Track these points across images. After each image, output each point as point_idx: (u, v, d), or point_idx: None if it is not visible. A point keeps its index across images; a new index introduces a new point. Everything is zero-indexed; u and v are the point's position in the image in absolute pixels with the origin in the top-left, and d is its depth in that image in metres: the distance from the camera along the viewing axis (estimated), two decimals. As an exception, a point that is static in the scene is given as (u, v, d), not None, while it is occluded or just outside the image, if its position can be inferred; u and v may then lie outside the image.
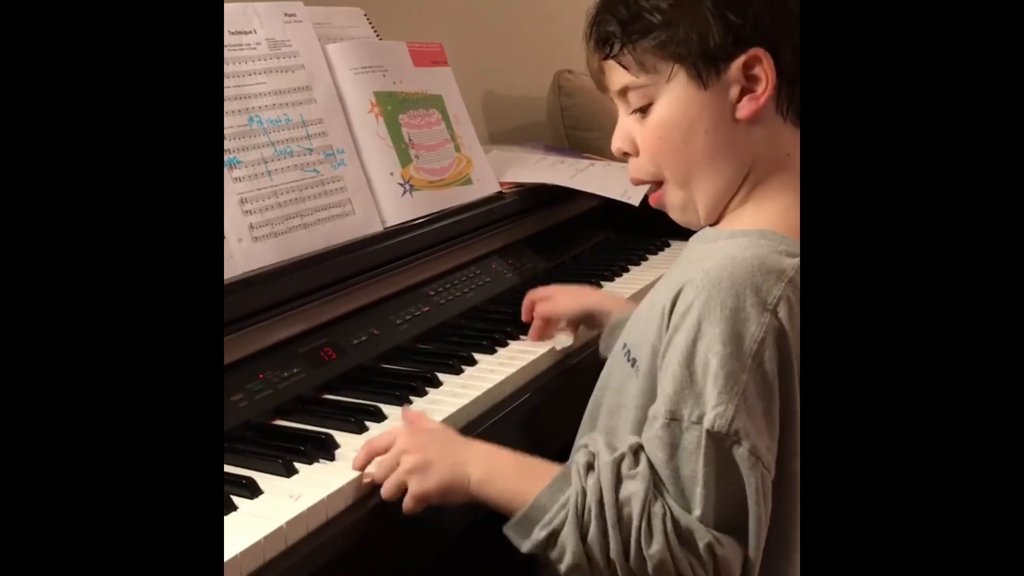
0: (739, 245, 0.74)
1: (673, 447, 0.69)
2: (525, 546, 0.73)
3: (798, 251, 0.73)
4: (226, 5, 1.11)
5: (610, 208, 1.50)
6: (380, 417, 0.92)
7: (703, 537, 0.68)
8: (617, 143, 0.83)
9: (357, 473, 0.81)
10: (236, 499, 0.77)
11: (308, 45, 1.17)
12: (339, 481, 0.80)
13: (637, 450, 0.72)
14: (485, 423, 0.96)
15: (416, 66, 1.34)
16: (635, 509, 0.69)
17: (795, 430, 0.71)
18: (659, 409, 0.70)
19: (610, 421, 0.83)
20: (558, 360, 1.10)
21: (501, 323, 1.17)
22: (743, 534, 0.69)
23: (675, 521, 0.68)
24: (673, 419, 0.69)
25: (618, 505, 0.69)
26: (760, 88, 0.75)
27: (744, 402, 0.67)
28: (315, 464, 0.83)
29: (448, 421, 0.92)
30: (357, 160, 1.18)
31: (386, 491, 0.79)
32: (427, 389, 0.99)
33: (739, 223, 0.79)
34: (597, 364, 1.08)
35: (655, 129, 0.79)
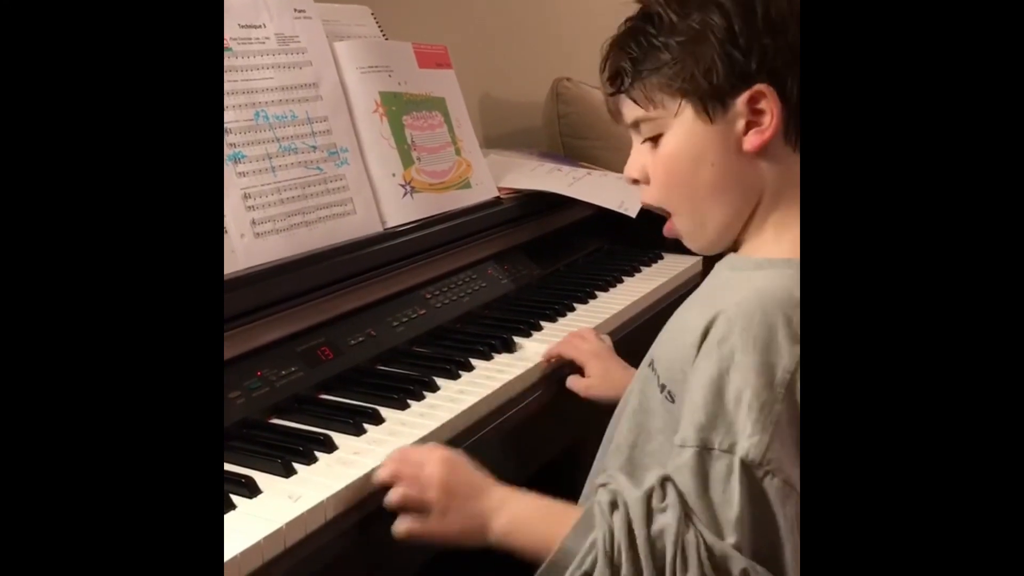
0: (768, 276, 0.75)
1: (704, 475, 0.68)
2: None
3: None
4: (237, -2, 1.10)
5: (605, 218, 1.50)
6: (378, 420, 0.92)
7: (738, 564, 0.66)
8: (629, 171, 0.85)
9: (356, 476, 0.81)
10: (235, 498, 0.77)
11: (316, 42, 1.17)
12: (338, 484, 0.79)
13: (664, 482, 0.70)
14: (482, 430, 0.96)
15: (421, 68, 1.34)
16: (668, 541, 0.67)
17: None
18: (687, 437, 0.70)
19: (646, 446, 0.82)
20: (555, 369, 1.10)
21: (497, 329, 1.17)
22: (771, 567, 0.67)
23: (709, 549, 0.67)
24: (704, 447, 0.69)
25: (651, 540, 0.68)
26: (766, 122, 0.76)
27: (778, 432, 0.68)
28: (313, 465, 0.83)
29: (445, 427, 0.92)
30: (360, 159, 1.18)
31: (398, 531, 0.78)
32: (424, 393, 0.99)
33: (762, 250, 0.80)
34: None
35: (664, 160, 0.81)
